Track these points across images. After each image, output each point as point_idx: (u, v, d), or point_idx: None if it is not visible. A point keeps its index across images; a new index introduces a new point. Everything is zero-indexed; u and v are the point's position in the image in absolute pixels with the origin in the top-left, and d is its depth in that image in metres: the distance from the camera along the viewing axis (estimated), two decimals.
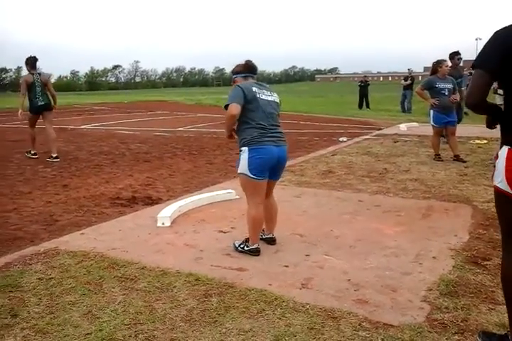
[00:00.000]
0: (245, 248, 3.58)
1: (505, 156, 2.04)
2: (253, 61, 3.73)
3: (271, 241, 3.78)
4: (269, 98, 3.54)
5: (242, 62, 3.68)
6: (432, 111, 7.56)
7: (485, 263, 3.30)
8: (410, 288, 2.92)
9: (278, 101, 3.64)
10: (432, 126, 7.65)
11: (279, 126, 3.57)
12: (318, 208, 4.86)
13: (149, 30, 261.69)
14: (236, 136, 3.60)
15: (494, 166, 2.13)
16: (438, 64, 7.46)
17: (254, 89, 3.46)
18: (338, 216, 4.57)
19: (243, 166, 3.45)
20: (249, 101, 3.40)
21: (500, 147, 2.09)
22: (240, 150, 3.50)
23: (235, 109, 3.35)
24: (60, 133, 12.27)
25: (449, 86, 7.38)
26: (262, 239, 3.77)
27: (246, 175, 3.45)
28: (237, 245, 3.64)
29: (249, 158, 3.41)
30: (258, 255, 3.54)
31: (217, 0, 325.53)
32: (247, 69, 3.63)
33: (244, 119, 3.44)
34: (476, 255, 3.45)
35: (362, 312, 2.63)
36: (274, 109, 3.55)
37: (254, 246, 3.56)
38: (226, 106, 3.42)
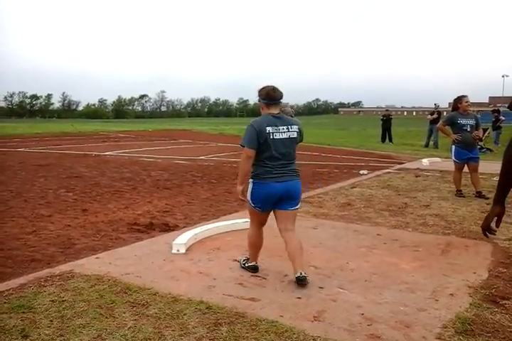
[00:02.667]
0: (245, 264, 3.90)
1: None
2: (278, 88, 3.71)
3: (298, 282, 3.48)
4: (284, 135, 3.56)
5: (269, 86, 3.68)
6: (453, 147, 7.53)
7: (504, 302, 3.21)
8: (425, 325, 2.85)
9: (296, 135, 3.62)
10: (454, 161, 7.60)
11: (290, 163, 3.64)
12: (335, 240, 4.82)
13: (176, 61, 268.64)
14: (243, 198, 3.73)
15: None
16: (458, 100, 7.48)
17: (268, 129, 3.52)
18: (354, 249, 4.52)
19: (248, 195, 3.67)
20: (261, 144, 3.52)
21: None
22: (249, 181, 3.69)
23: (251, 153, 3.54)
24: (84, 159, 12.56)
25: (472, 122, 7.35)
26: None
27: (249, 203, 3.70)
28: (240, 260, 3.97)
29: (252, 189, 3.64)
30: (255, 272, 3.81)
31: (240, 32, 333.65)
32: (268, 97, 3.63)
33: (258, 156, 3.57)
34: (495, 293, 3.36)
35: None
36: (288, 146, 3.59)
37: (251, 263, 3.88)
38: (242, 145, 3.59)
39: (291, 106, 4.25)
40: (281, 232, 3.74)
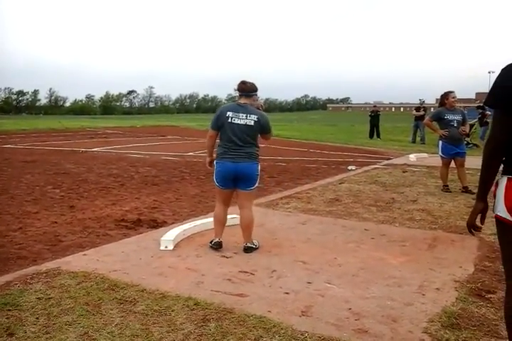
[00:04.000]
0: (210, 243, 4.24)
1: (505, 185, 2.04)
2: (254, 83, 4.28)
3: (244, 250, 4.21)
4: (242, 122, 4.11)
5: (243, 80, 4.24)
6: (440, 142, 7.58)
7: (489, 296, 3.24)
8: (411, 319, 2.87)
9: (252, 123, 4.12)
10: (441, 156, 7.66)
11: (246, 146, 4.13)
12: (323, 236, 4.83)
13: (164, 57, 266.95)
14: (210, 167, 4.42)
15: (494, 196, 2.12)
16: (445, 96, 7.54)
17: (228, 113, 4.13)
18: (342, 244, 4.54)
19: (214, 174, 4.30)
20: (221, 125, 4.17)
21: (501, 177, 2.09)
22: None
23: (211, 132, 4.29)
24: (71, 156, 12.47)
25: (458, 117, 7.42)
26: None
27: (214, 181, 4.30)
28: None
29: (215, 168, 4.26)
30: (216, 248, 4.19)
31: (229, 29, 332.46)
32: (239, 89, 4.22)
33: (220, 137, 4.24)
34: (481, 287, 3.39)
35: None
36: (244, 132, 4.12)
37: (215, 240, 4.25)
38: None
39: (261, 105, 4.64)
40: (239, 208, 4.38)
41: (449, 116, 7.40)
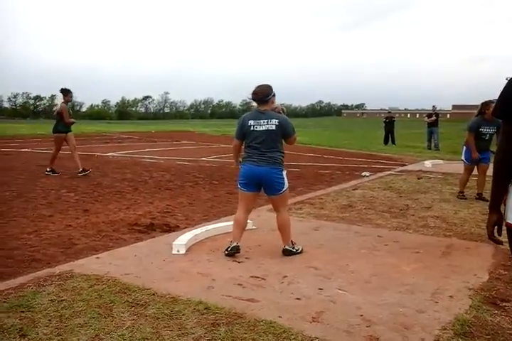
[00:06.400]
0: (227, 249, 4.23)
1: None
2: (267, 86, 4.28)
3: (282, 252, 4.32)
4: (263, 127, 4.17)
5: (255, 88, 4.24)
6: (465, 148, 7.43)
7: (504, 304, 3.19)
8: (424, 327, 2.84)
9: (274, 127, 4.16)
10: (464, 162, 7.51)
11: (268, 151, 4.18)
12: (336, 242, 4.81)
13: (179, 63, 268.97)
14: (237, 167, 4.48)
15: (505, 204, 2.10)
16: (486, 106, 7.10)
17: (250, 122, 4.21)
18: (355, 250, 4.51)
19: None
20: (245, 134, 4.26)
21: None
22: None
23: (235, 142, 4.41)
24: (86, 160, 12.56)
25: (493, 130, 7.11)
26: None
27: (237, 184, 4.39)
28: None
29: (240, 170, 4.32)
30: (233, 253, 4.17)
31: (245, 34, 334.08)
32: (254, 99, 4.26)
33: (245, 144, 4.32)
34: (495, 296, 3.34)
35: None
36: (267, 137, 4.17)
37: (232, 244, 4.22)
38: None
39: (282, 108, 4.76)
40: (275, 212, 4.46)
41: (484, 129, 7.12)
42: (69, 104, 9.74)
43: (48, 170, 9.63)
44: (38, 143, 18.29)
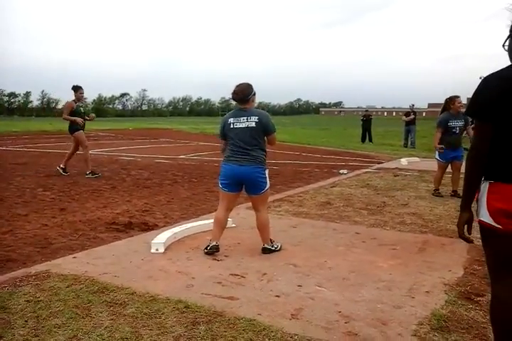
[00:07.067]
0: (206, 248, 4.22)
1: (487, 190, 2.06)
2: (247, 85, 4.25)
3: (262, 251, 4.32)
4: (243, 125, 4.16)
5: (235, 88, 4.21)
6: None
7: (478, 299, 3.26)
8: (401, 322, 2.88)
9: (254, 124, 4.14)
10: (437, 160, 7.62)
11: (250, 149, 4.15)
12: (314, 239, 4.84)
13: (157, 60, 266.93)
14: None
15: (477, 201, 2.14)
16: (451, 101, 7.31)
17: (229, 120, 4.22)
18: (333, 247, 4.55)
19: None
20: (226, 133, 4.26)
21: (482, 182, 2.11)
22: None
23: (221, 143, 4.41)
24: (63, 158, 12.38)
25: (461, 123, 7.28)
26: None
27: (218, 184, 4.35)
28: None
29: (221, 169, 4.30)
30: (212, 252, 4.16)
31: (222, 32, 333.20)
32: (234, 99, 4.25)
33: (228, 143, 4.28)
34: (470, 291, 3.41)
35: None
36: (247, 134, 4.15)
37: (211, 243, 4.21)
38: None
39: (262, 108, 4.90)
40: (254, 211, 4.42)
41: (453, 123, 7.25)
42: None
43: (88, 172, 9.15)
44: (13, 141, 17.98)
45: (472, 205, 2.19)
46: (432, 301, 3.21)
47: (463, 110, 7.33)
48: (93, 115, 9.76)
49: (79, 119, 9.03)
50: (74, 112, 9.04)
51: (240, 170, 4.14)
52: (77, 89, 9.12)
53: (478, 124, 2.09)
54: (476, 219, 2.17)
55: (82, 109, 9.32)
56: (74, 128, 9.16)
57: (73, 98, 9.15)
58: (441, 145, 7.31)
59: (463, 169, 7.42)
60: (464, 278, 3.70)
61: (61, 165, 9.41)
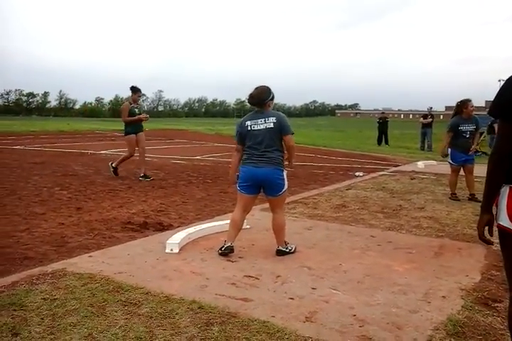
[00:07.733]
0: (221, 249, 4.21)
1: (507, 194, 2.03)
2: (264, 88, 4.25)
3: (276, 253, 4.30)
4: (261, 127, 4.14)
5: (252, 91, 4.22)
6: (449, 149, 7.53)
7: (495, 305, 3.21)
8: (416, 327, 2.85)
9: (272, 125, 4.12)
10: (450, 163, 7.61)
11: (268, 151, 4.13)
12: (329, 242, 4.82)
13: (173, 61, 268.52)
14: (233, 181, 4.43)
15: (496, 205, 2.11)
16: (463, 104, 7.31)
17: (247, 123, 4.19)
18: (348, 250, 4.52)
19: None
20: (243, 136, 4.22)
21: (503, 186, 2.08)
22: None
23: (237, 146, 4.33)
24: (80, 158, 12.54)
25: (472, 127, 7.30)
26: None
27: (237, 186, 4.31)
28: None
29: (239, 172, 4.27)
30: (227, 253, 4.16)
31: (240, 33, 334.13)
32: (250, 103, 4.25)
33: (245, 145, 4.24)
34: (487, 296, 3.36)
35: None
36: (265, 136, 4.13)
37: (226, 244, 4.21)
38: None
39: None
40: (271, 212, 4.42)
41: (463, 127, 7.27)
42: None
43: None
44: (31, 141, 18.21)
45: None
46: (448, 306, 3.17)
47: (474, 114, 7.53)
48: (146, 115, 9.40)
49: (141, 116, 9.01)
50: (128, 114, 9.00)
51: (259, 172, 4.13)
52: (135, 91, 9.09)
53: (502, 125, 2.05)
54: (494, 224, 2.13)
55: (137, 110, 9.17)
56: (126, 131, 9.19)
57: (129, 99, 9.14)
58: (446, 153, 7.50)
59: (476, 172, 7.47)
60: (481, 283, 3.65)
61: (141, 174, 9.13)
